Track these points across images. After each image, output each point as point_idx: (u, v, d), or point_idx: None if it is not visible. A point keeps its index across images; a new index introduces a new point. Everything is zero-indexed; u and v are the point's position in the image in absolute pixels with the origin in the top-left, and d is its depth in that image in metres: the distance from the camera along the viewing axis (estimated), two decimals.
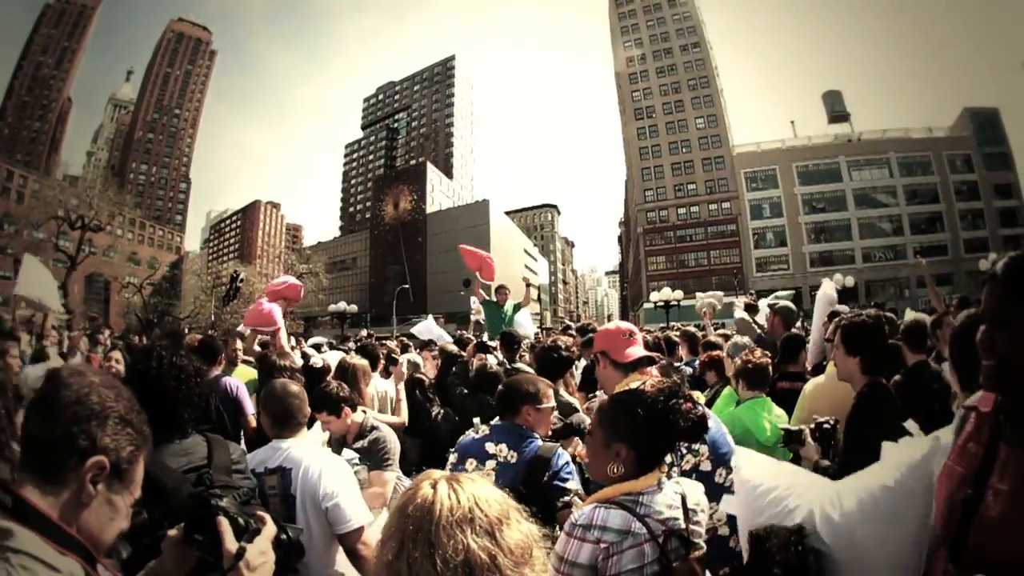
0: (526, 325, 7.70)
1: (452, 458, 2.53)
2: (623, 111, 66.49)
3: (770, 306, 6.68)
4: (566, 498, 2.07)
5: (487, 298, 7.46)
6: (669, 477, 1.67)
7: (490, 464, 2.40)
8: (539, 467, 2.34)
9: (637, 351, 2.49)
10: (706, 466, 2.66)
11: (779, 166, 59.11)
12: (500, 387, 2.69)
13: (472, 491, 0.95)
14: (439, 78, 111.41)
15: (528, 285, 7.95)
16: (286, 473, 2.26)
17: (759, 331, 5.95)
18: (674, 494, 1.62)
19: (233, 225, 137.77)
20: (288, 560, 1.45)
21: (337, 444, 3.10)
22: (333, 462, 2.39)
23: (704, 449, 2.69)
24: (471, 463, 2.40)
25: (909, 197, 57.64)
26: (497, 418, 2.60)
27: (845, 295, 11.06)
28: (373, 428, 3.07)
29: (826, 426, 2.43)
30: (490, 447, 2.44)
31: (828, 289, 5.59)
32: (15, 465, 1.13)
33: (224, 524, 1.25)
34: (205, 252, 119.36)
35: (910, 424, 1.27)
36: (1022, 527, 1.11)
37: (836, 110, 74.72)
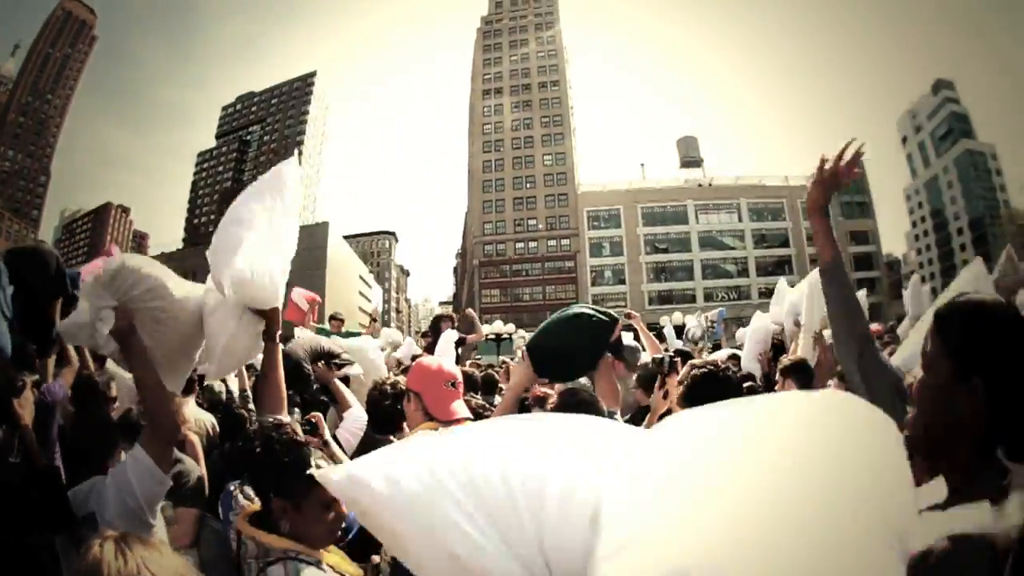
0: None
1: None
2: (472, 143, 66.71)
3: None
4: None
5: (322, 326, 6.86)
6: None
7: None
8: None
9: (460, 409, 2.31)
10: None
11: (623, 206, 60.90)
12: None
13: (142, 554, 0.94)
14: (297, 93, 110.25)
15: (372, 321, 8.43)
16: None
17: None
18: None
19: (84, 227, 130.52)
20: None
21: None
22: None
23: None
24: None
25: (757, 241, 60.55)
26: None
27: (681, 332, 11.27)
28: (177, 461, 2.77)
29: None
30: None
31: (762, 321, 5.60)
32: None
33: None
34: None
35: None
36: None
37: (689, 155, 78.57)
